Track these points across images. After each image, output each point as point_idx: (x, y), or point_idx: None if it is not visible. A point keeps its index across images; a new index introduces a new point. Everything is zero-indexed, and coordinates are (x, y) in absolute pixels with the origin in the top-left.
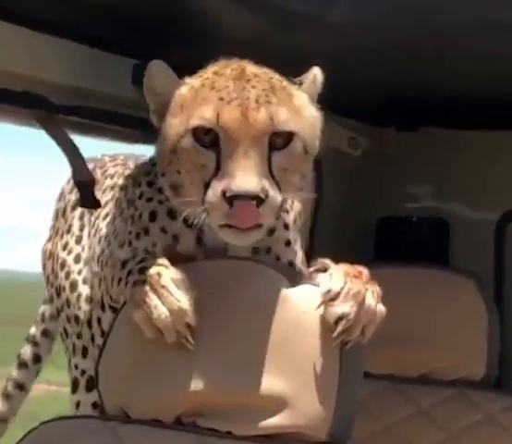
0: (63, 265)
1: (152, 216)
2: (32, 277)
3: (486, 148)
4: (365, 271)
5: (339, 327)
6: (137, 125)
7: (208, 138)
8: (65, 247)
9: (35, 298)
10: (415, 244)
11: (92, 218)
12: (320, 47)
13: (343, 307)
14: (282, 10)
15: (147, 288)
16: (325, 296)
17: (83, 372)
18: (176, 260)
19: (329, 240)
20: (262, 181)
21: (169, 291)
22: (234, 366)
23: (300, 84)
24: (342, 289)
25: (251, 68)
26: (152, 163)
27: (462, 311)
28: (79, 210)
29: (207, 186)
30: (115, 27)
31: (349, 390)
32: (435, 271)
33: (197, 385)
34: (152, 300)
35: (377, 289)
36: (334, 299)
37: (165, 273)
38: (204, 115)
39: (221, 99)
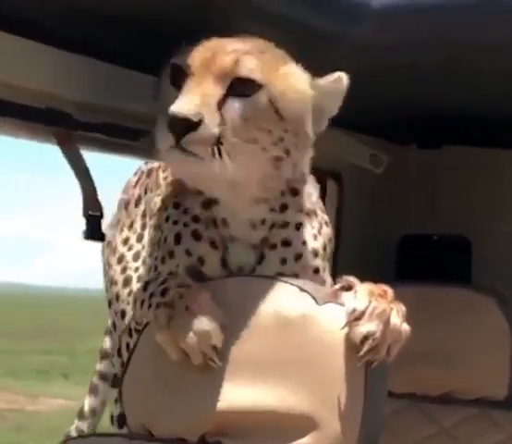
0: (121, 259)
1: (178, 239)
2: (47, 290)
3: (508, 166)
4: (390, 290)
5: (365, 347)
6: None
7: (178, 76)
8: (125, 242)
9: (49, 312)
10: (437, 262)
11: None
12: (343, 65)
13: (368, 326)
14: (306, 28)
15: (171, 310)
16: (350, 315)
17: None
18: (199, 280)
19: (350, 257)
20: (200, 108)
21: (193, 314)
22: (258, 385)
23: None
24: (367, 307)
25: (257, 37)
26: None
27: (484, 330)
28: (141, 207)
29: None
30: (136, 43)
31: (374, 409)
32: (457, 289)
33: (221, 404)
34: (177, 322)
35: (402, 308)
36: (359, 318)
37: (189, 294)
38: (182, 56)
39: (205, 47)
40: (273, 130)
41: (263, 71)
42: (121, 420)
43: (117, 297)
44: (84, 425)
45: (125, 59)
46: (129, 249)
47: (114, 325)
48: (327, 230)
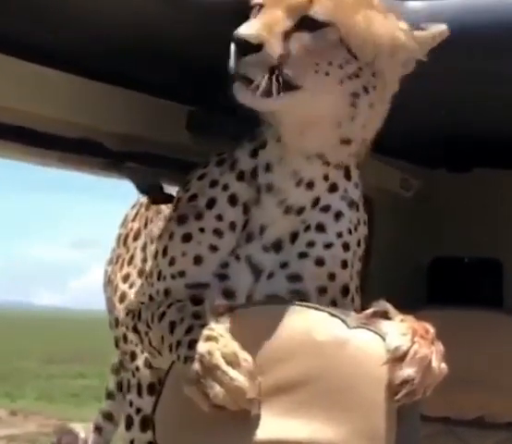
0: (123, 297)
1: (211, 203)
2: (81, 314)
3: None
4: (431, 330)
5: (403, 391)
6: (191, 169)
7: (256, 12)
8: (126, 279)
9: (83, 335)
10: (468, 285)
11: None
12: None
13: (408, 371)
14: None
15: (199, 367)
16: (392, 354)
17: (138, 410)
18: (224, 313)
19: (381, 280)
20: (262, 32)
21: (223, 371)
22: (291, 416)
23: (420, 29)
24: (409, 349)
25: None
26: None
27: None
28: (141, 241)
29: None
30: (169, 74)
31: (408, 437)
32: (489, 313)
33: (257, 434)
34: (207, 380)
35: (440, 347)
36: (400, 359)
37: (216, 350)
38: None
39: None
40: (344, 66)
41: (337, 12)
42: None
43: (125, 338)
44: None
45: (159, 89)
46: (131, 286)
47: (121, 364)
48: (364, 229)
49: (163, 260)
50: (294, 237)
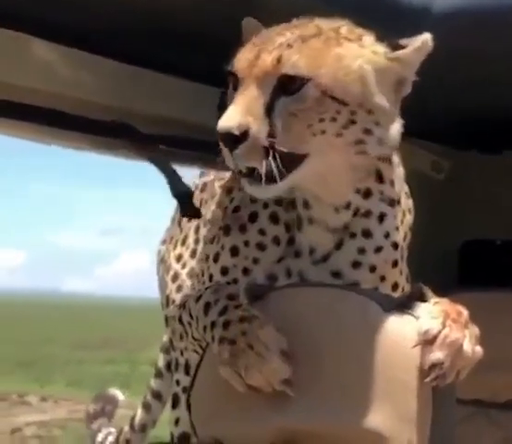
0: (175, 277)
1: (253, 217)
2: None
3: None
4: (465, 312)
5: (432, 374)
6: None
7: (235, 81)
8: (179, 259)
9: (112, 321)
10: (500, 267)
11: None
12: None
13: (438, 355)
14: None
15: (234, 347)
16: (422, 336)
17: (185, 389)
18: (259, 294)
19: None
20: (244, 118)
21: (257, 351)
22: (326, 400)
23: (401, 47)
24: (439, 332)
25: (318, 20)
26: None
27: None
28: (194, 222)
29: None
30: (200, 57)
31: (444, 419)
32: None
33: (290, 420)
34: (241, 361)
35: (475, 330)
36: (430, 342)
37: (250, 330)
38: (234, 60)
39: (252, 44)
40: (337, 118)
41: (308, 62)
42: (183, 440)
43: (174, 316)
44: (134, 438)
45: (190, 72)
46: (183, 266)
47: (171, 343)
48: (409, 218)
49: (215, 266)
50: (339, 244)
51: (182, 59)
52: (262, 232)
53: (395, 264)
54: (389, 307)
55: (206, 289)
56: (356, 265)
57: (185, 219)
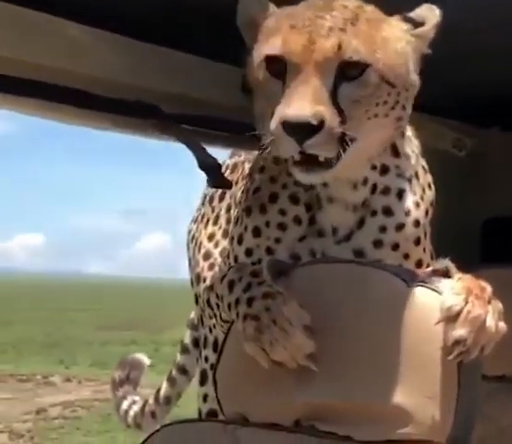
0: (207, 255)
1: (273, 198)
2: (133, 282)
3: None
4: (488, 288)
5: (455, 351)
6: (246, 131)
7: (277, 66)
8: (211, 238)
9: (136, 303)
10: None
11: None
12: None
13: (460, 331)
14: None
15: (258, 323)
16: (445, 313)
17: (213, 366)
18: (282, 271)
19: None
20: (317, 108)
21: (281, 327)
22: (350, 376)
23: (420, 24)
24: (462, 309)
25: (343, 1)
26: None
27: None
28: (225, 202)
29: None
30: (223, 36)
31: (469, 395)
32: None
33: (314, 396)
34: (265, 337)
35: (498, 306)
36: (453, 319)
37: (274, 306)
38: (274, 43)
39: (292, 27)
40: (388, 100)
41: (366, 48)
42: (211, 416)
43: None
44: (158, 410)
45: (213, 52)
46: (216, 245)
47: (200, 320)
48: (430, 194)
49: (239, 248)
50: (361, 223)
51: (206, 39)
52: (282, 212)
53: (417, 241)
54: (413, 283)
55: (230, 268)
56: (378, 243)
57: (217, 199)
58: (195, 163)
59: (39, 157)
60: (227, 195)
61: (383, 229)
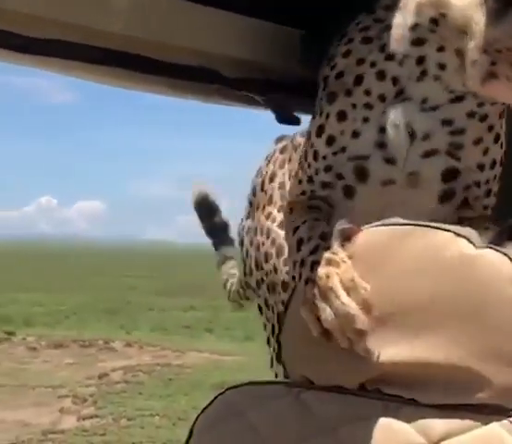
0: (268, 233)
1: (359, 80)
2: (190, 247)
3: None
4: None
5: None
6: (305, 95)
7: None
8: (268, 216)
9: (193, 268)
10: None
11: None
12: None
13: None
14: None
15: (316, 290)
16: None
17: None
18: (351, 236)
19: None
20: None
21: (337, 295)
22: (419, 338)
23: None
24: None
25: None
26: None
27: None
28: (277, 181)
29: None
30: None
31: None
32: None
33: (383, 355)
34: (320, 303)
35: None
36: None
37: (335, 274)
38: None
39: None
40: None
41: None
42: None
43: (275, 269)
44: None
45: (272, 14)
46: (273, 221)
47: (266, 303)
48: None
49: (318, 140)
50: (457, 99)
51: (265, 2)
52: (367, 93)
53: (477, 184)
54: (479, 244)
55: (304, 221)
56: (470, 114)
57: (267, 182)
58: (257, 130)
59: (102, 126)
60: (278, 174)
61: (480, 105)
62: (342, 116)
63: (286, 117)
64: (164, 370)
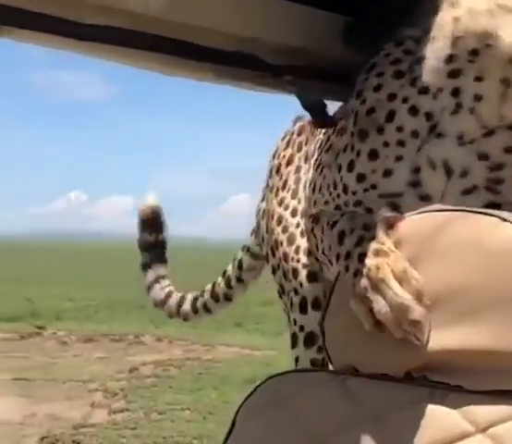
0: (279, 220)
1: (390, 116)
2: (220, 243)
3: None
4: None
5: None
6: (347, 82)
7: None
8: (281, 203)
9: (223, 263)
10: None
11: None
12: None
13: None
14: None
15: (366, 282)
16: None
17: (301, 327)
18: (395, 225)
19: None
20: None
21: (390, 285)
22: (469, 324)
23: None
24: None
25: None
26: None
27: None
28: (294, 165)
29: None
30: None
31: None
32: None
33: (429, 345)
34: (372, 294)
35: None
36: None
37: (385, 265)
38: None
39: None
40: None
41: None
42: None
43: (286, 257)
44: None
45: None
46: (286, 208)
47: (282, 289)
48: None
49: (349, 174)
50: (491, 133)
51: None
52: (400, 129)
53: None
54: None
55: (342, 215)
56: (508, 150)
57: (283, 165)
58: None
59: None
60: (295, 158)
61: None
62: (373, 155)
63: (312, 104)
64: (194, 364)
